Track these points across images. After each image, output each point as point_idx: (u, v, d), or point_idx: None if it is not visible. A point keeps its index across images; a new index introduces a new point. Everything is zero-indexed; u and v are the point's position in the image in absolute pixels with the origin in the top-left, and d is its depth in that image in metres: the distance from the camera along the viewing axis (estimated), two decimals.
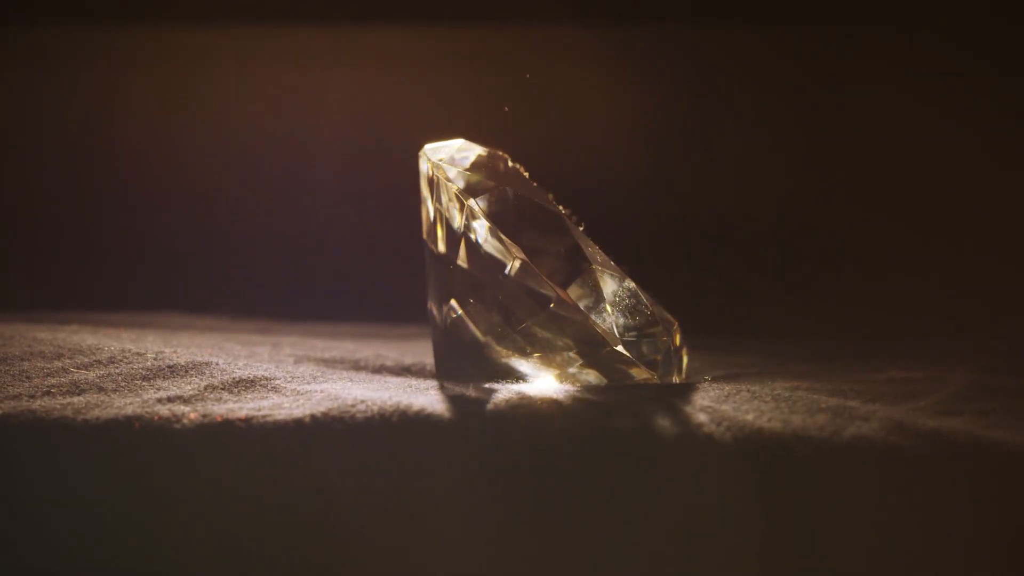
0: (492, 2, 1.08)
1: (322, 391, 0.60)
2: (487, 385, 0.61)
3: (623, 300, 0.61)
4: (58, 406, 0.56)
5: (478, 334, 0.63)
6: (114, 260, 1.14)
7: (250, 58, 1.13)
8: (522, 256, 0.61)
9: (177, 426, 0.54)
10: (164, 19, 1.09)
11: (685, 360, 0.65)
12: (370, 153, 1.13)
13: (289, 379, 0.64)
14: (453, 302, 0.64)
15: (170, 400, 0.58)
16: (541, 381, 0.63)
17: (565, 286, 0.61)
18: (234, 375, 0.63)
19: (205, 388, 0.60)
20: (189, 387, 0.60)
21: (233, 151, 1.14)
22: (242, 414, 0.55)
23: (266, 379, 0.63)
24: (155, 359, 0.66)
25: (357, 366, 0.75)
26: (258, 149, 1.14)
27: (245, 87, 1.14)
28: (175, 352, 0.69)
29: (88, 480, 0.54)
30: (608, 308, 0.61)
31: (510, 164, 0.64)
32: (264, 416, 0.55)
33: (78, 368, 0.64)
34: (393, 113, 1.12)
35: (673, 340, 0.63)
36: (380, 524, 0.53)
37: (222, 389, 0.60)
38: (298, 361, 0.74)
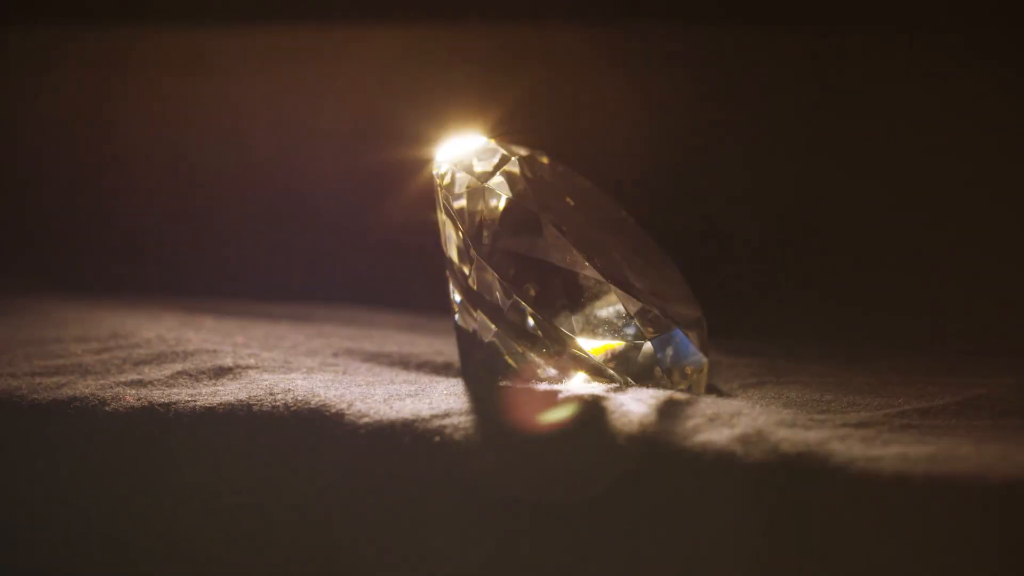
0: (492, 2, 1.08)
1: (270, 381, 0.60)
2: (482, 383, 0.61)
3: (616, 312, 0.60)
4: (23, 386, 0.57)
5: (486, 332, 0.63)
6: (112, 260, 1.14)
7: (250, 58, 1.13)
8: (511, 263, 0.60)
9: (108, 408, 0.55)
10: (164, 19, 1.10)
11: (705, 366, 0.64)
12: (369, 153, 1.13)
13: (265, 369, 0.64)
14: (465, 302, 0.63)
15: (129, 384, 0.58)
16: (570, 380, 0.62)
17: (551, 297, 0.60)
18: (217, 363, 0.63)
19: (176, 374, 0.61)
20: (164, 373, 0.61)
21: (233, 151, 1.14)
22: (173, 399, 0.55)
23: (242, 368, 0.63)
24: (174, 344, 0.67)
25: (392, 362, 0.74)
26: (258, 149, 1.15)
27: (245, 87, 1.14)
28: (203, 339, 0.69)
29: (25, 456, 0.55)
30: (596, 317, 0.60)
31: (524, 156, 0.63)
32: (187, 402, 0.55)
33: (85, 352, 0.65)
34: (393, 113, 1.13)
35: (680, 349, 0.62)
36: (280, 513, 0.53)
37: (191, 376, 0.61)
38: (336, 353, 0.74)
